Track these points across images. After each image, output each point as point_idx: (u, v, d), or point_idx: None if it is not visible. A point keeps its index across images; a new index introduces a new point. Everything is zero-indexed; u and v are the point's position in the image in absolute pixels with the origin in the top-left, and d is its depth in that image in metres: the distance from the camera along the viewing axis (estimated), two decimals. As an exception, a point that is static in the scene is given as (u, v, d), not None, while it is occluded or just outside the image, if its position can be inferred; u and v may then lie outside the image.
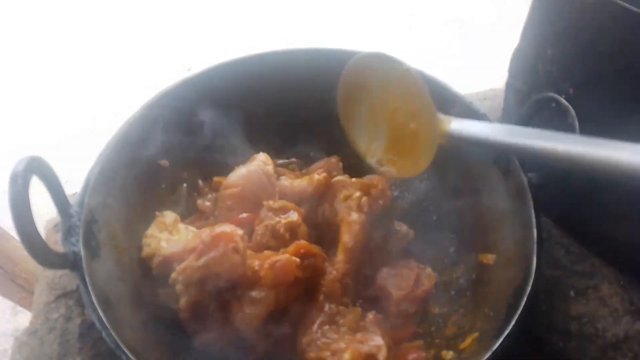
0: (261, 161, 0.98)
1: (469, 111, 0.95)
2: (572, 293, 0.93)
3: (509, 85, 1.09)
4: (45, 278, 0.91)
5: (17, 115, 3.21)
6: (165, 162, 0.98)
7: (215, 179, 1.04)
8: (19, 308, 2.48)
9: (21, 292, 1.80)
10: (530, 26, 0.98)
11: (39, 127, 3.13)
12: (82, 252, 0.73)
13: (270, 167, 0.98)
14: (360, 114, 0.92)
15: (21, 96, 3.36)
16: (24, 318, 2.44)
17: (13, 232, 1.75)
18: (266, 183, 0.95)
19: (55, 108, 3.27)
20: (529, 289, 0.75)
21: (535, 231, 0.81)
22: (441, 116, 0.79)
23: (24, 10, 4.01)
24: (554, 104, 0.84)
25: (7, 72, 3.48)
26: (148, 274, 0.86)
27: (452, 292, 0.94)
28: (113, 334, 0.67)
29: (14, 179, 0.63)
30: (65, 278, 0.90)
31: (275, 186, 0.97)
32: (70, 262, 0.71)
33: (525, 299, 0.74)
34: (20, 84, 3.43)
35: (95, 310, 0.69)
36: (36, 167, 0.68)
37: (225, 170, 1.03)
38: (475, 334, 0.81)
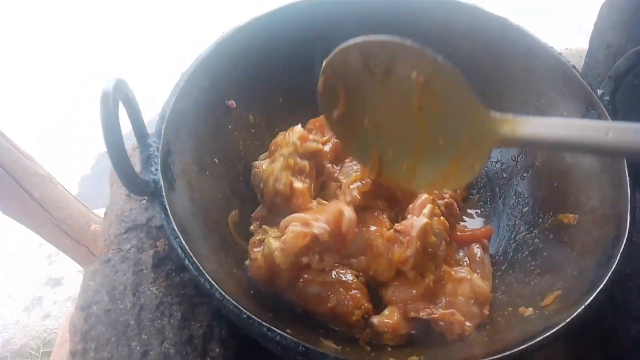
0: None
1: (557, 64, 0.89)
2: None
3: (595, 39, 1.02)
4: (114, 211, 0.90)
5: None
6: (232, 103, 0.96)
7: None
8: (53, 258, 2.56)
9: (65, 238, 1.84)
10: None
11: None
12: (162, 182, 0.71)
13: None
14: (358, 116, 0.68)
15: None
16: (58, 267, 2.52)
17: (60, 179, 1.80)
18: None
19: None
20: (622, 248, 0.72)
21: (629, 190, 0.77)
22: (495, 115, 0.58)
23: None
24: (657, 57, 0.78)
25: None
26: (218, 212, 0.85)
27: (526, 252, 0.90)
28: (196, 261, 0.66)
29: (105, 97, 0.62)
30: (134, 212, 0.89)
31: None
32: (151, 189, 0.70)
33: (618, 257, 0.71)
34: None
35: (177, 237, 0.67)
36: (122, 90, 0.66)
37: (292, 119, 1.01)
38: (558, 292, 0.77)
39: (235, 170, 0.95)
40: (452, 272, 0.80)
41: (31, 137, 3.03)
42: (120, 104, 0.66)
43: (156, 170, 0.72)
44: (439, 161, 0.64)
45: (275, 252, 0.74)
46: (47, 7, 3.90)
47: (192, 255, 0.66)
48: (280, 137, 0.89)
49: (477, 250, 0.89)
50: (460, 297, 0.78)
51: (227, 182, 0.91)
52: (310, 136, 0.86)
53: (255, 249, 0.79)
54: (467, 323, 0.76)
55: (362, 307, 0.76)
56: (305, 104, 1.05)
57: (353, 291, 0.77)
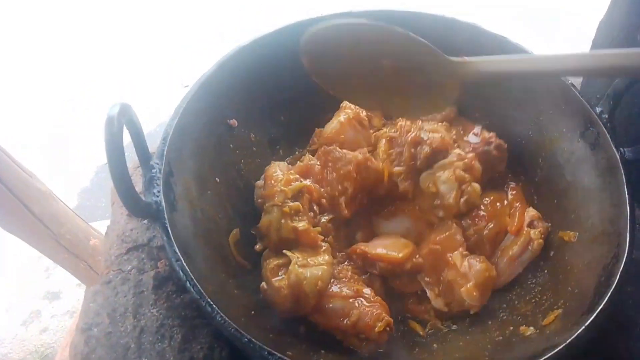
0: (350, 109, 0.98)
1: (556, 83, 0.90)
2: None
3: (593, 58, 1.03)
4: (115, 231, 0.90)
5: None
6: (234, 122, 0.96)
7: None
8: (51, 271, 2.55)
9: (64, 253, 1.83)
10: (624, -5, 0.93)
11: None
12: (164, 204, 0.72)
13: (363, 113, 0.99)
14: (345, 78, 0.79)
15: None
16: (56, 280, 2.51)
17: (59, 194, 1.80)
18: (359, 128, 0.97)
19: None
20: (622, 266, 0.72)
21: (628, 208, 0.77)
22: (454, 59, 0.72)
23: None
24: (654, 75, 0.79)
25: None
26: (220, 233, 0.85)
27: (527, 270, 0.90)
28: (197, 284, 0.66)
29: (109, 121, 0.62)
30: (135, 232, 0.90)
31: (370, 128, 0.99)
32: (153, 212, 0.70)
33: (618, 277, 0.71)
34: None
35: (179, 260, 0.68)
36: (127, 114, 0.67)
37: (293, 136, 1.03)
38: (559, 311, 0.77)
39: (237, 188, 0.95)
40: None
41: (30, 149, 3.03)
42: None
43: (158, 192, 0.73)
44: (423, 97, 0.79)
45: (304, 282, 0.76)
46: (46, 19, 3.92)
47: (193, 278, 0.67)
48: (270, 170, 0.91)
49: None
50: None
51: (228, 201, 0.91)
52: (291, 175, 0.88)
53: (275, 279, 0.79)
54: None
55: (384, 319, 0.77)
56: (306, 121, 1.07)
57: (373, 304, 0.79)
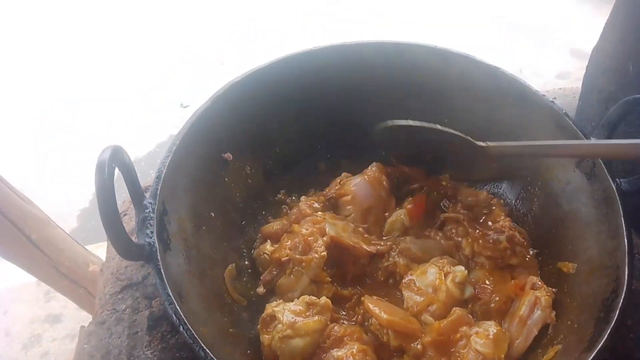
0: (374, 170, 0.99)
1: (550, 112, 0.90)
2: (657, 307, 0.88)
3: (587, 83, 1.03)
4: (110, 268, 0.90)
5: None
6: (228, 155, 0.96)
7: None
8: (52, 294, 2.54)
9: (63, 280, 1.83)
10: (616, 24, 0.93)
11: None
12: (157, 245, 0.71)
13: (383, 177, 1.00)
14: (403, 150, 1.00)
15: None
16: (56, 304, 2.49)
17: (59, 221, 1.80)
18: (380, 191, 0.99)
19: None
20: (621, 301, 0.71)
21: (626, 241, 0.76)
22: (482, 143, 0.86)
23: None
24: (646, 107, 0.79)
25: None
26: (215, 269, 0.85)
27: (526, 302, 0.89)
28: (190, 328, 0.65)
29: (100, 167, 0.62)
30: (130, 269, 0.89)
31: (390, 193, 1.01)
32: (146, 254, 0.70)
33: (617, 312, 0.70)
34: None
35: (172, 304, 0.67)
36: (119, 157, 0.67)
37: (288, 167, 1.03)
38: (558, 347, 0.76)
39: (233, 222, 0.95)
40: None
41: (29, 171, 3.04)
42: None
43: (151, 232, 0.72)
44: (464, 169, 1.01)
45: (281, 357, 0.75)
46: (47, 36, 3.96)
47: (186, 322, 0.66)
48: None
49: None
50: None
51: (224, 235, 0.91)
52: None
53: (264, 332, 0.79)
54: None
55: None
56: (300, 151, 1.07)
57: None
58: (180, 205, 0.83)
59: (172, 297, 0.67)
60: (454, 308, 0.82)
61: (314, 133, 1.07)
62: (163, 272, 0.69)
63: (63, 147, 3.27)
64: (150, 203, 0.75)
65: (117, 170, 0.66)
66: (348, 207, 0.97)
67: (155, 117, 3.28)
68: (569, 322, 0.79)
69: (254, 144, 1.00)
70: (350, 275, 0.90)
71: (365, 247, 0.89)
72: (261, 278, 0.89)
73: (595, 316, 0.74)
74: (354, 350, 0.77)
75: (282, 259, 0.85)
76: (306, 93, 1.02)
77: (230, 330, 0.80)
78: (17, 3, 4.20)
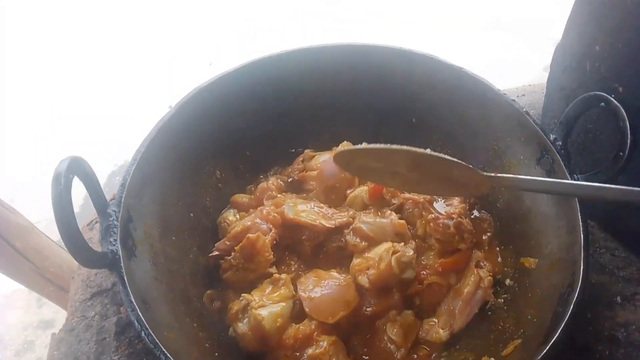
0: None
1: (512, 111, 0.91)
2: (618, 299, 0.89)
3: (551, 81, 1.05)
4: (81, 275, 0.91)
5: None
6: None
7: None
8: (44, 300, 2.54)
9: (49, 286, 1.84)
10: (576, 22, 0.94)
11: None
12: (120, 252, 0.72)
13: None
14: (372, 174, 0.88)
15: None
16: (48, 310, 2.50)
17: (42, 228, 1.80)
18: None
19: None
20: (576, 295, 0.72)
21: (582, 236, 0.78)
22: (484, 173, 0.80)
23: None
24: (602, 103, 0.80)
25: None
26: (183, 274, 0.86)
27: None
28: (152, 333, 0.67)
29: (56, 178, 0.63)
30: (100, 276, 0.90)
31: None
32: (109, 261, 0.71)
33: (572, 306, 0.71)
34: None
35: (134, 310, 0.68)
36: (78, 167, 0.68)
37: (260, 169, 1.06)
38: (518, 341, 0.78)
39: (202, 227, 0.96)
40: None
41: (17, 179, 3.04)
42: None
43: (115, 240, 0.73)
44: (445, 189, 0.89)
45: (263, 322, 0.78)
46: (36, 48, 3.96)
47: (148, 327, 0.67)
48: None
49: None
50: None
51: (193, 240, 0.92)
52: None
53: (240, 325, 0.82)
54: None
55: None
56: (271, 154, 1.08)
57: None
58: (147, 212, 0.84)
59: (135, 304, 0.69)
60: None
61: (285, 135, 1.08)
62: (126, 279, 0.71)
63: (48, 154, 3.27)
64: (114, 211, 0.77)
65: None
66: (312, 182, 1.00)
67: (142, 119, 3.27)
68: (529, 317, 0.80)
69: (224, 148, 1.01)
70: (309, 249, 0.93)
71: (324, 223, 0.91)
72: (215, 245, 0.92)
73: (553, 310, 0.75)
74: (325, 345, 0.79)
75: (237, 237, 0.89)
76: (276, 95, 1.04)
77: (200, 334, 0.81)
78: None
